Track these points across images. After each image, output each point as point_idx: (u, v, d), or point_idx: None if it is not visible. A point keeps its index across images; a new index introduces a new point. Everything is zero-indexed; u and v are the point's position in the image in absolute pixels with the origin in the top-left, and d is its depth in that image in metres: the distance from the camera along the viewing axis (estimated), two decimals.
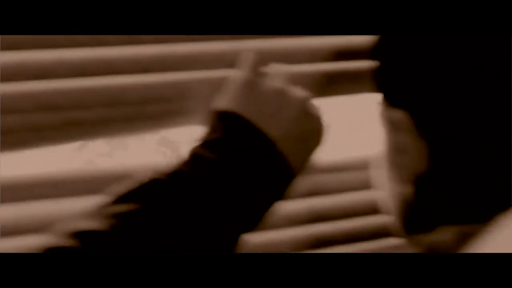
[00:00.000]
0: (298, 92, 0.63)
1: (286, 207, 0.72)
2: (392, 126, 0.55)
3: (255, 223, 0.57)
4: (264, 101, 0.60)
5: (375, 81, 0.56)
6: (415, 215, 0.54)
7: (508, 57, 0.50)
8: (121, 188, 0.54)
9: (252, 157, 0.56)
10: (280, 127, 0.59)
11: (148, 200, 0.53)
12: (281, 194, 0.59)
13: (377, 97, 0.56)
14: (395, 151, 0.55)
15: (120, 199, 0.53)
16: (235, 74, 0.62)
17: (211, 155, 0.56)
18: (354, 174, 0.82)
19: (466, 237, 0.44)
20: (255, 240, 0.71)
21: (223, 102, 0.60)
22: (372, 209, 0.81)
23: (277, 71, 0.64)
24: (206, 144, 0.57)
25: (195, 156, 0.56)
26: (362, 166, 0.82)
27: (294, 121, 0.60)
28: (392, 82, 0.54)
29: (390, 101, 0.54)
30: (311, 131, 0.62)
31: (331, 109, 0.69)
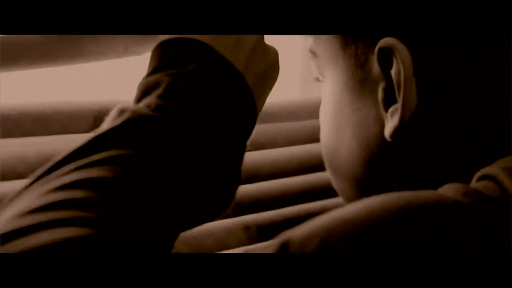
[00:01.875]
0: None
1: None
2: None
3: (232, 166, 0.51)
4: None
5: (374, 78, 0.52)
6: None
7: (508, 57, 0.49)
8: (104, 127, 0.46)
9: (223, 91, 0.50)
10: (243, 60, 0.53)
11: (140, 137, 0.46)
12: (248, 135, 0.52)
13: None
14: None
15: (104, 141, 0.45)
16: None
17: (188, 86, 0.48)
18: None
19: (470, 195, 0.42)
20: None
21: None
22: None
23: None
24: (182, 74, 0.49)
25: (173, 86, 0.48)
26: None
27: (254, 53, 0.54)
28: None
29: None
30: (269, 66, 0.56)
31: None
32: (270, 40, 0.58)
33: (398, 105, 0.49)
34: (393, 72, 0.49)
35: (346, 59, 0.53)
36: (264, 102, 0.57)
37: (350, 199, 0.58)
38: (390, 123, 0.50)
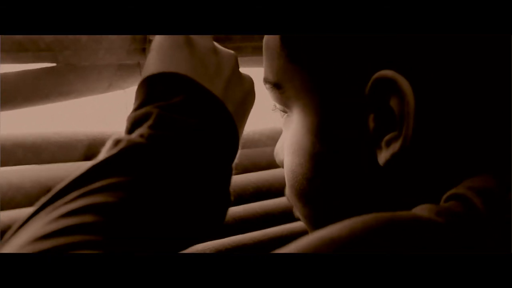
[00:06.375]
0: (227, 51, 0.60)
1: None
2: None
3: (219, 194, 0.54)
4: (203, 60, 0.57)
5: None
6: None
7: (508, 57, 0.49)
8: (100, 157, 0.50)
9: (207, 118, 0.53)
10: (222, 88, 0.56)
11: (134, 166, 0.49)
12: (233, 157, 0.55)
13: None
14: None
15: (100, 170, 0.48)
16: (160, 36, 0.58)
17: (176, 116, 0.52)
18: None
19: (443, 215, 0.44)
20: None
21: (162, 64, 0.55)
22: None
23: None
24: (169, 106, 0.53)
25: (162, 117, 0.52)
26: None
27: (231, 82, 0.58)
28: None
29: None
30: (245, 93, 0.60)
31: None
32: (250, 71, 0.61)
33: (398, 134, 0.50)
34: (393, 103, 0.50)
35: (324, 90, 0.54)
36: (244, 126, 0.60)
37: (315, 224, 0.59)
38: (387, 151, 0.51)
